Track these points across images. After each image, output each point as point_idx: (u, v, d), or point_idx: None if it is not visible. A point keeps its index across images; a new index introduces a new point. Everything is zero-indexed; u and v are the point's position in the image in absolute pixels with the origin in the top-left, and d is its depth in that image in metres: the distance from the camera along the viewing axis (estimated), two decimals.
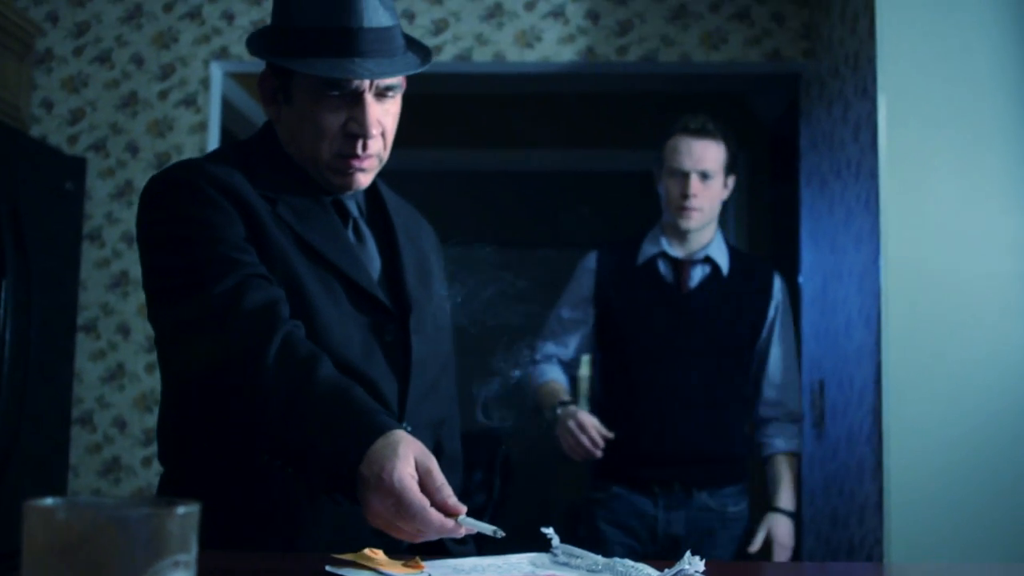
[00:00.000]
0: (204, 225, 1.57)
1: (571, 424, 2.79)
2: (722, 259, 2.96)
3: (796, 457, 3.01)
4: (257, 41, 1.71)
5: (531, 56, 4.12)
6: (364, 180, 1.71)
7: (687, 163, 2.87)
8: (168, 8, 4.19)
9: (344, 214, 1.74)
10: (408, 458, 1.32)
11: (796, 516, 2.97)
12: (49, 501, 0.79)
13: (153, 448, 4.01)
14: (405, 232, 1.82)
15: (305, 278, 1.61)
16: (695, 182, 2.85)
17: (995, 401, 2.91)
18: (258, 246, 1.59)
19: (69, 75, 4.18)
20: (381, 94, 1.66)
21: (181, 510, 0.79)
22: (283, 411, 1.42)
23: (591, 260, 3.06)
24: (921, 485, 2.91)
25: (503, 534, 1.33)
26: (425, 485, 1.33)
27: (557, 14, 4.12)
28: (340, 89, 1.62)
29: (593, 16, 4.10)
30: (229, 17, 4.17)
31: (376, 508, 1.32)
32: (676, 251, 2.96)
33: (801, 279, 4.10)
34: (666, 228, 2.97)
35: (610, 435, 2.78)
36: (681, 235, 2.94)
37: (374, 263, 1.74)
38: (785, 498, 2.93)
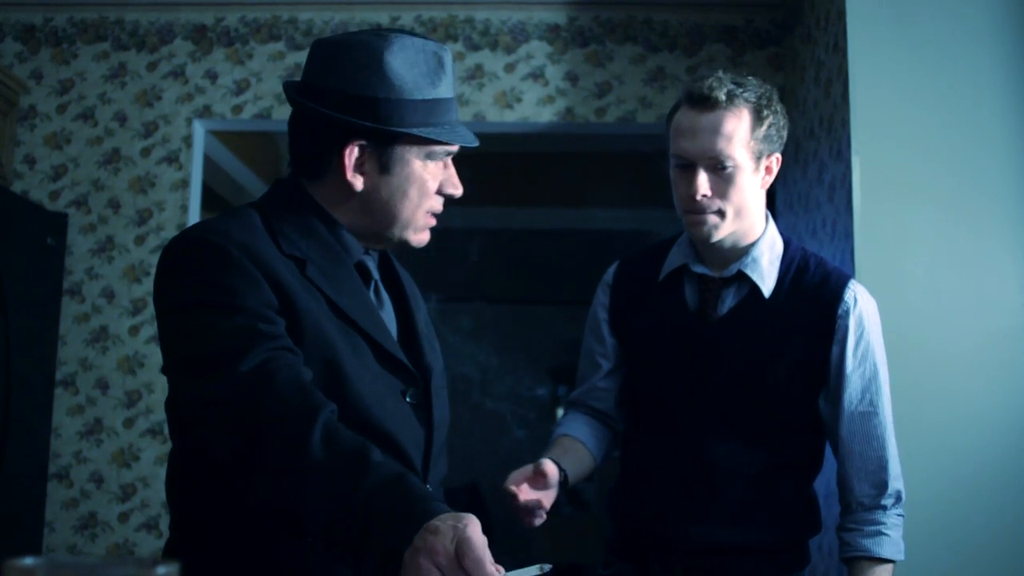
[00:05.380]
0: (228, 291, 1.52)
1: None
2: (762, 276, 2.15)
3: (883, 565, 2.09)
4: (348, 112, 1.66)
5: (511, 116, 4.17)
6: (428, 235, 1.78)
7: (690, 150, 2.07)
8: (152, 67, 4.22)
9: (366, 276, 1.74)
10: (477, 523, 1.28)
11: None
12: (29, 560, 0.79)
13: (130, 503, 3.99)
14: (411, 295, 1.85)
15: (336, 340, 1.59)
16: (702, 177, 2.07)
17: (973, 466, 2.91)
18: (287, 310, 1.56)
19: (52, 132, 4.20)
20: None
21: (162, 570, 0.79)
22: (338, 500, 1.35)
23: (610, 272, 2.35)
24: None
25: (550, 567, 1.31)
26: None
27: (537, 76, 4.17)
28: (449, 154, 1.72)
29: (572, 78, 4.16)
30: (212, 76, 4.21)
31: (436, 548, 1.24)
32: (702, 265, 2.20)
33: None
34: None
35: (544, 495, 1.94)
36: (706, 243, 2.16)
37: (392, 325, 1.76)
38: None
